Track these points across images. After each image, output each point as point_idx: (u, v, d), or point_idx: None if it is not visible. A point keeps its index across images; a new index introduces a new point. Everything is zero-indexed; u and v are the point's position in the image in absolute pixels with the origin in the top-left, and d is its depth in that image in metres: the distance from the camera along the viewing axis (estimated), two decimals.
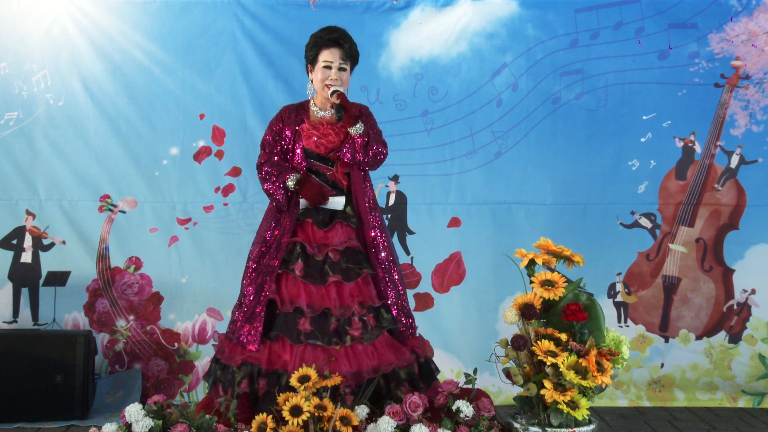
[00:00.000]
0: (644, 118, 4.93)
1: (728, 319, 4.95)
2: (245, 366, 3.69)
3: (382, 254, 3.86)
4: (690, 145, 4.94)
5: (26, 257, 4.83)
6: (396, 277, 3.88)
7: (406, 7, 4.88)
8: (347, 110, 3.74)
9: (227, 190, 4.87)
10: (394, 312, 3.83)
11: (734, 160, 4.95)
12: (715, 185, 4.95)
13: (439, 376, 3.92)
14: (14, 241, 4.83)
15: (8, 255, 4.82)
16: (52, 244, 4.83)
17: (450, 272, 4.95)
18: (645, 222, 4.95)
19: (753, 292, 4.94)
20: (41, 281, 4.83)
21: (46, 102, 4.81)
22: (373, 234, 3.85)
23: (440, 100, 4.91)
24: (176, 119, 4.85)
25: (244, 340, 3.73)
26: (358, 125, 3.76)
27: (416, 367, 3.80)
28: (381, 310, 3.80)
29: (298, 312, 3.70)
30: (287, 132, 3.88)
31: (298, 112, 3.91)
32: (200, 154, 4.87)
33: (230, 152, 4.86)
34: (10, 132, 4.80)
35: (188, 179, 4.86)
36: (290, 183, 3.78)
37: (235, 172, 4.87)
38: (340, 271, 3.75)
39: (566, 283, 3.53)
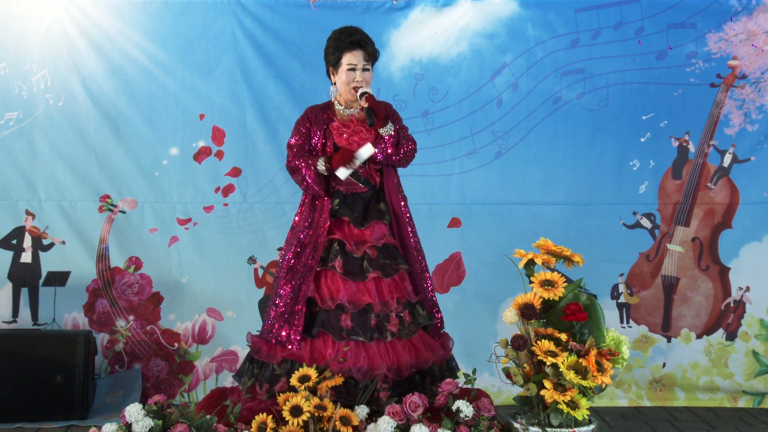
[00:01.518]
0: (643, 118, 4.93)
1: (726, 316, 4.95)
2: (285, 363, 3.71)
3: (417, 249, 3.91)
4: (684, 144, 4.94)
5: (26, 257, 4.83)
6: (426, 272, 3.95)
7: (406, 7, 4.88)
8: (377, 112, 3.75)
9: (227, 190, 4.87)
10: (427, 306, 3.89)
11: (727, 159, 4.95)
12: (708, 184, 4.95)
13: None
14: (14, 241, 4.83)
15: (8, 255, 4.82)
16: (51, 244, 4.83)
17: (450, 272, 4.94)
18: (645, 222, 4.95)
19: (747, 289, 4.95)
20: (41, 281, 4.82)
21: (45, 102, 4.80)
22: (409, 229, 3.91)
23: (440, 100, 4.90)
24: (176, 119, 4.85)
25: (284, 340, 3.74)
26: (388, 125, 3.79)
27: (446, 363, 3.86)
28: (417, 307, 3.85)
29: (339, 308, 3.73)
30: (316, 131, 3.87)
31: (324, 111, 3.91)
32: (200, 155, 4.87)
33: (230, 152, 4.86)
34: (9, 132, 4.80)
35: (188, 179, 4.86)
36: (321, 166, 3.76)
37: (235, 172, 4.87)
38: (378, 267, 3.78)
39: (566, 283, 3.53)
